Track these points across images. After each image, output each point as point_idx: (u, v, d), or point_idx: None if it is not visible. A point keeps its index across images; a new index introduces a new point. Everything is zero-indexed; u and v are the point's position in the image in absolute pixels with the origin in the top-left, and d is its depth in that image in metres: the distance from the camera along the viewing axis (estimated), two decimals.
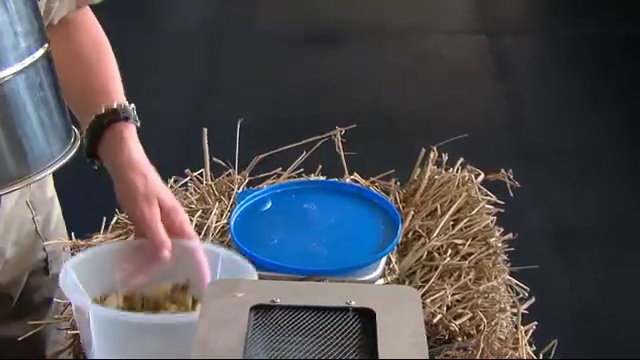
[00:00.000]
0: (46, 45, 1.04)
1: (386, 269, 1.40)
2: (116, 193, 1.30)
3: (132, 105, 1.34)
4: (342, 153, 1.65)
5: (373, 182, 1.62)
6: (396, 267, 1.41)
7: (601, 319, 2.76)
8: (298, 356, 0.96)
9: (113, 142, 1.31)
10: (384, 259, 1.38)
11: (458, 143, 1.67)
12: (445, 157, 1.63)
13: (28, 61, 1.01)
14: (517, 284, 1.44)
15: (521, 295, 1.41)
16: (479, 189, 1.57)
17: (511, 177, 1.58)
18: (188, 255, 1.26)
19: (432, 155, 1.63)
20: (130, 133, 1.32)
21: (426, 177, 1.61)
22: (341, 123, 1.66)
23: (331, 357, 0.95)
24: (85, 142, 1.31)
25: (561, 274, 2.86)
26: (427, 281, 1.40)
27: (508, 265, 1.46)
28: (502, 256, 1.46)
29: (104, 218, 1.52)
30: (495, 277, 1.41)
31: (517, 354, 1.24)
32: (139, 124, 1.34)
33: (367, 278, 1.35)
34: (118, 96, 1.35)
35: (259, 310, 1.00)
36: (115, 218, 1.53)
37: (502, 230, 1.51)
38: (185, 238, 1.27)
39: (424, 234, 1.47)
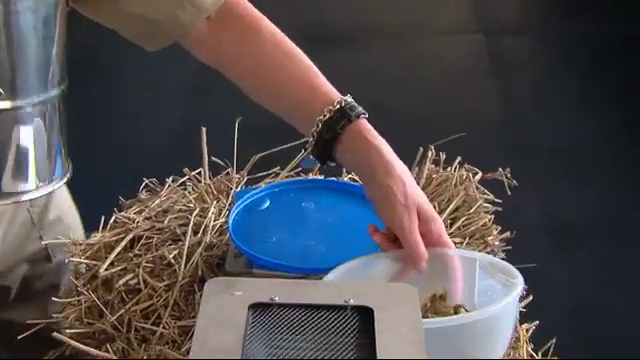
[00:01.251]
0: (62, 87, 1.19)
1: None
2: (369, 196, 1.25)
3: (348, 95, 1.24)
4: None
5: None
6: None
7: (598, 315, 2.77)
8: (296, 354, 0.96)
9: (353, 145, 1.22)
10: None
11: (456, 142, 1.68)
12: (443, 156, 1.63)
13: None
14: None
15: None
16: (477, 188, 1.57)
17: (508, 175, 1.59)
18: (443, 263, 1.22)
19: (430, 154, 1.63)
20: (369, 131, 1.22)
21: (424, 176, 1.61)
22: None
23: (329, 355, 0.96)
24: (313, 148, 1.25)
25: (559, 271, 2.87)
26: None
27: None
28: (500, 254, 1.47)
29: (102, 217, 1.52)
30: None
31: (517, 354, 1.24)
32: (366, 114, 1.24)
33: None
34: (332, 92, 1.25)
35: (257, 308, 1.01)
36: (114, 217, 1.53)
37: (500, 229, 1.52)
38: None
39: None
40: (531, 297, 1.40)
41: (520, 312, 1.35)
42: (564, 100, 3.90)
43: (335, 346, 0.97)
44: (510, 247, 1.51)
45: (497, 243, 1.46)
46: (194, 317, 1.35)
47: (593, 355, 2.56)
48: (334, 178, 1.61)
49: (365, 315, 1.00)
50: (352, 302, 1.01)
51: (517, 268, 1.48)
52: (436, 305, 1.21)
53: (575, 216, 3.10)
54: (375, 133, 1.24)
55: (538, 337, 1.34)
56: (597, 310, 2.79)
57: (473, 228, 1.48)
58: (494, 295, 1.19)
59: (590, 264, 2.93)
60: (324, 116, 1.22)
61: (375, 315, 1.00)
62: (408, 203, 1.20)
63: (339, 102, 1.23)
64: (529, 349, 1.27)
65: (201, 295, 1.36)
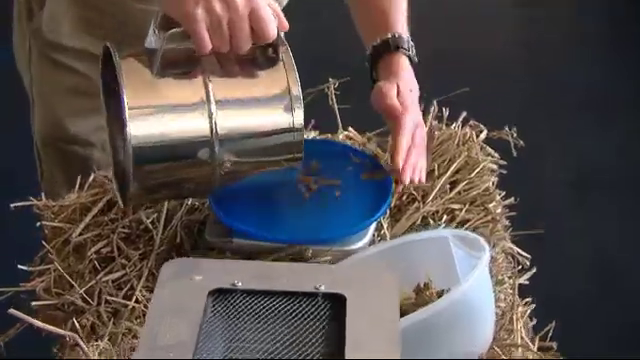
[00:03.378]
0: None
1: (376, 235, 1.30)
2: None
3: (407, 35, 1.37)
4: (336, 106, 1.54)
5: (369, 138, 1.51)
6: (387, 233, 1.31)
7: (622, 271, 2.64)
8: (258, 347, 0.87)
9: (385, 73, 1.35)
10: (374, 225, 1.28)
11: (468, 98, 1.56)
12: (446, 112, 1.52)
13: None
14: (519, 252, 1.34)
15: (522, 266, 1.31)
16: (481, 148, 1.46)
17: (514, 135, 1.47)
18: (420, 248, 1.18)
19: (432, 109, 1.52)
20: (400, 65, 1.35)
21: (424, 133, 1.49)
22: (337, 74, 1.56)
23: (294, 350, 0.86)
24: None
25: (580, 225, 2.73)
26: None
27: (509, 232, 1.36)
28: (503, 222, 1.36)
29: (79, 177, 1.42)
30: (494, 246, 1.30)
31: (513, 337, 1.13)
32: (413, 54, 1.36)
33: (354, 247, 1.25)
34: (394, 26, 1.38)
35: (218, 295, 0.91)
36: (92, 176, 1.43)
37: (503, 194, 1.41)
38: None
39: (419, 198, 1.37)
40: (534, 270, 1.30)
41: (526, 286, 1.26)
42: (586, 47, 3.68)
43: (302, 339, 0.88)
44: (514, 213, 1.40)
45: (499, 210, 1.35)
46: None
47: (617, 310, 2.43)
48: (329, 137, 1.51)
49: (337, 303, 0.91)
50: (323, 289, 0.91)
51: (525, 235, 1.39)
52: (422, 296, 1.11)
53: (598, 170, 2.94)
54: (407, 69, 1.36)
55: (563, 290, 1.22)
56: (620, 265, 2.66)
57: (474, 193, 1.37)
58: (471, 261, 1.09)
59: (612, 216, 2.79)
60: (376, 42, 1.37)
61: (348, 303, 0.90)
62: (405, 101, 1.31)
63: (392, 35, 1.36)
64: (525, 330, 1.16)
65: None
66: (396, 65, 1.35)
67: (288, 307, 0.90)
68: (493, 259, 1.28)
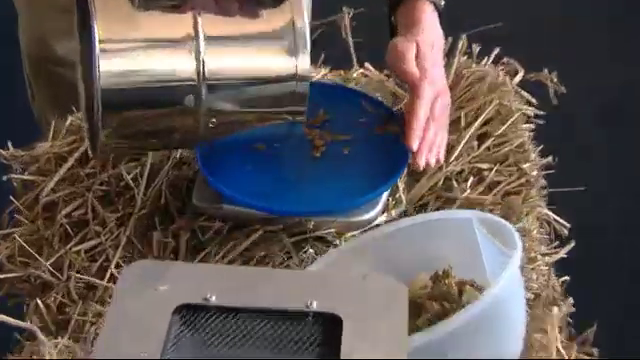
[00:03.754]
0: None
1: (390, 201, 1.12)
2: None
3: None
4: (350, 39, 1.35)
5: (388, 75, 1.32)
6: (403, 197, 1.13)
7: None
8: None
9: (404, 22, 1.16)
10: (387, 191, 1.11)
11: (502, 33, 1.35)
12: (477, 49, 1.32)
13: None
14: (556, 219, 1.16)
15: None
16: (515, 93, 1.27)
17: (554, 80, 1.27)
18: (441, 230, 1.00)
19: (461, 44, 1.32)
20: (422, 12, 1.15)
21: (453, 70, 1.30)
22: (352, 3, 1.36)
23: None
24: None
25: None
26: None
27: (545, 198, 1.17)
28: (539, 183, 1.17)
29: (52, 122, 1.25)
30: (527, 214, 1.12)
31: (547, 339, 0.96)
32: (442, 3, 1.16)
33: (364, 218, 1.07)
34: None
35: (186, 313, 0.74)
36: (69, 120, 1.26)
37: (540, 148, 1.22)
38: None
39: None
40: (573, 242, 1.12)
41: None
42: None
43: None
44: (552, 171, 1.21)
45: (534, 173, 1.16)
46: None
47: None
48: (341, 74, 1.32)
49: (332, 325, 0.74)
50: (315, 306, 0.74)
51: (565, 192, 1.20)
52: (440, 286, 0.93)
53: None
54: (432, 17, 1.15)
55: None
56: None
57: (506, 150, 1.19)
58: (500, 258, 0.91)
59: None
60: None
61: (344, 326, 0.73)
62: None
63: None
64: (557, 335, 0.98)
65: (161, 232, 1.11)
66: (418, 12, 1.15)
67: (271, 330, 0.73)
68: (525, 231, 1.10)
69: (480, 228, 0.93)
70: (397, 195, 1.13)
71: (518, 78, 1.28)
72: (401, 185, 1.14)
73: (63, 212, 1.12)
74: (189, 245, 1.10)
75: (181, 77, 0.97)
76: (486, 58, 1.32)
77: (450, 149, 1.18)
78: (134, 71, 0.97)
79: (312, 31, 1.26)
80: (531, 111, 1.24)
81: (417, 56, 1.11)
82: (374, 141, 1.13)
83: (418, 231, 0.98)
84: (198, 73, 0.96)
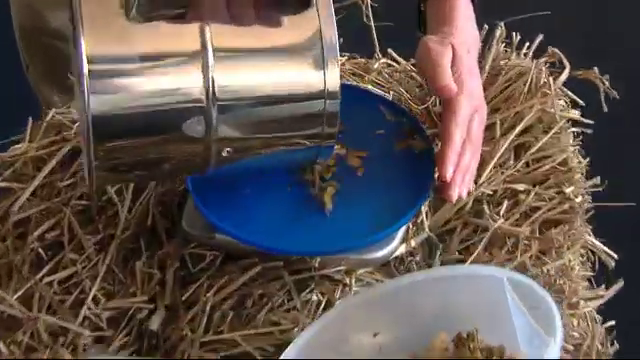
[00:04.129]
0: None
1: (411, 227, 0.97)
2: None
3: None
4: (373, 24, 1.19)
5: (415, 65, 1.15)
6: (426, 222, 0.98)
7: None
8: None
9: (436, 17, 0.99)
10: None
11: (547, 25, 1.18)
12: (516, 39, 1.15)
13: None
14: (605, 251, 1.00)
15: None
16: (561, 93, 1.10)
17: (606, 82, 1.10)
18: (469, 284, 0.84)
19: (499, 33, 1.15)
20: (457, 5, 0.98)
21: (489, 61, 1.14)
22: None
23: None
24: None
25: None
26: (468, 249, 0.97)
27: (589, 224, 1.02)
28: (584, 206, 1.01)
29: (30, 118, 1.10)
30: (568, 248, 0.97)
31: None
32: None
33: (377, 256, 0.93)
34: None
35: None
36: (50, 114, 1.11)
37: (586, 163, 1.06)
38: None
39: None
40: (621, 282, 0.97)
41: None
42: None
43: None
44: (599, 189, 1.05)
45: (579, 199, 1.00)
46: (133, 294, 0.95)
47: None
48: (361, 62, 1.16)
49: None
50: None
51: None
52: (463, 351, 0.79)
53: None
54: (462, 14, 0.98)
55: None
56: None
57: (547, 168, 1.03)
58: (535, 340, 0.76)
59: None
60: None
61: None
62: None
63: None
64: None
65: (147, 260, 0.97)
66: (452, 6, 0.98)
67: None
68: (565, 269, 0.95)
69: (512, 292, 0.78)
70: (419, 219, 0.98)
71: (564, 77, 1.11)
72: (424, 208, 0.99)
73: (35, 233, 0.98)
74: (177, 276, 0.96)
75: (186, 98, 0.80)
76: (526, 48, 1.15)
77: (482, 163, 1.02)
78: (130, 93, 0.80)
79: None
80: (577, 117, 1.07)
81: (453, 63, 0.94)
82: (394, 159, 0.97)
83: (441, 285, 0.83)
84: (207, 92, 0.80)
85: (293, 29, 0.82)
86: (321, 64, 0.81)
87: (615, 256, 1.01)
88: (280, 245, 0.89)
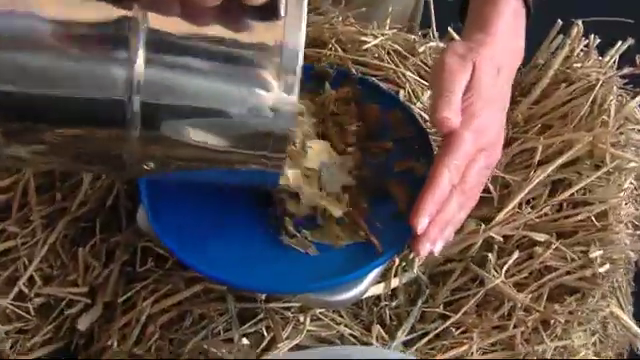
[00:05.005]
0: None
1: (397, 262, 0.82)
2: None
3: None
4: None
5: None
6: (416, 261, 0.82)
7: None
8: None
9: (473, 22, 0.81)
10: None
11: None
12: (594, 41, 0.95)
13: None
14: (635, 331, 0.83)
15: None
16: (633, 120, 0.90)
17: None
18: None
19: (575, 31, 0.95)
20: (499, 13, 0.79)
21: (552, 69, 0.95)
22: None
23: None
24: None
25: None
26: (459, 302, 0.81)
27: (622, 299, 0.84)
28: (617, 275, 0.83)
29: None
30: (579, 324, 0.79)
31: None
32: None
33: (340, 299, 0.77)
34: None
35: None
36: None
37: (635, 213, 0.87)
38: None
39: (495, 195, 0.86)
40: None
41: None
42: None
43: None
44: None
45: (606, 267, 0.81)
46: (74, 282, 0.85)
47: None
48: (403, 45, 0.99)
49: None
50: None
51: None
52: None
53: None
54: (503, 24, 0.79)
55: None
56: None
57: (580, 217, 0.84)
58: None
59: None
60: None
61: None
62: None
63: None
64: None
65: (99, 244, 0.86)
66: (492, 10, 0.79)
67: None
68: (570, 351, 0.78)
69: None
70: (410, 256, 0.82)
71: (637, 101, 0.91)
72: None
73: None
74: (123, 271, 0.85)
75: (104, 82, 0.63)
76: (610, 56, 0.95)
77: (507, 194, 0.85)
78: (30, 65, 0.65)
79: None
80: (632, 159, 0.87)
81: (468, 87, 0.76)
82: (385, 184, 0.81)
83: None
84: (129, 80, 0.65)
85: (252, 36, 0.66)
86: (277, 76, 0.65)
87: None
88: (228, 278, 0.75)
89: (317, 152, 0.79)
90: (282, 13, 0.63)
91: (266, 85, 0.65)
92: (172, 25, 0.64)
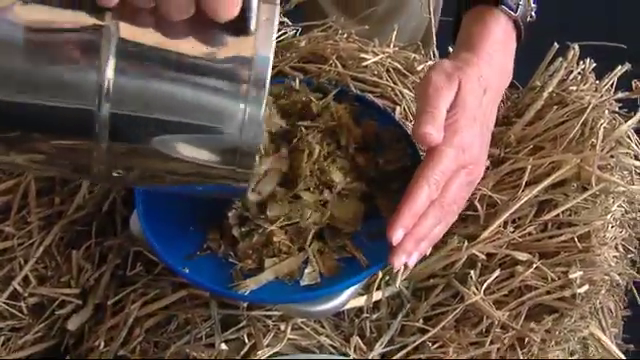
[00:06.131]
0: None
1: (379, 275, 0.83)
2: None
3: None
4: (431, 16, 1.03)
5: None
6: (399, 276, 0.84)
7: None
8: None
9: (464, 40, 0.83)
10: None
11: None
12: (590, 64, 0.96)
13: None
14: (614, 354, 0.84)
15: None
16: (626, 147, 0.91)
17: None
18: None
19: (571, 54, 0.97)
20: (489, 32, 0.82)
21: (547, 91, 0.96)
22: None
23: None
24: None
25: None
26: (438, 317, 0.83)
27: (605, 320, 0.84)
28: (596, 296, 0.84)
29: None
30: (557, 343, 0.80)
31: None
32: (523, 13, 0.83)
33: (316, 310, 0.79)
34: None
35: None
36: None
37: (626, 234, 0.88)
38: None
39: (481, 212, 0.87)
40: None
41: None
42: None
43: None
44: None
45: (584, 288, 0.82)
46: (66, 284, 0.87)
47: None
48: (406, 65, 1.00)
49: None
50: None
51: None
52: None
53: None
54: (492, 43, 0.81)
55: None
56: None
57: (564, 238, 0.85)
58: None
59: None
60: None
61: None
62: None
63: None
64: None
65: (93, 247, 0.88)
66: (486, 28, 0.81)
67: None
68: None
69: None
70: (394, 270, 0.84)
71: (633, 121, 0.92)
72: None
73: None
74: (115, 274, 0.87)
75: (73, 90, 0.64)
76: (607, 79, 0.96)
77: (494, 213, 0.87)
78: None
79: None
80: (619, 182, 0.88)
81: (453, 104, 0.77)
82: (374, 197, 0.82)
83: None
84: (100, 88, 0.66)
85: (222, 50, 0.67)
86: (245, 94, 0.67)
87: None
88: (212, 286, 0.77)
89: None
90: (252, 28, 0.65)
91: (234, 99, 0.67)
92: (143, 36, 0.66)
